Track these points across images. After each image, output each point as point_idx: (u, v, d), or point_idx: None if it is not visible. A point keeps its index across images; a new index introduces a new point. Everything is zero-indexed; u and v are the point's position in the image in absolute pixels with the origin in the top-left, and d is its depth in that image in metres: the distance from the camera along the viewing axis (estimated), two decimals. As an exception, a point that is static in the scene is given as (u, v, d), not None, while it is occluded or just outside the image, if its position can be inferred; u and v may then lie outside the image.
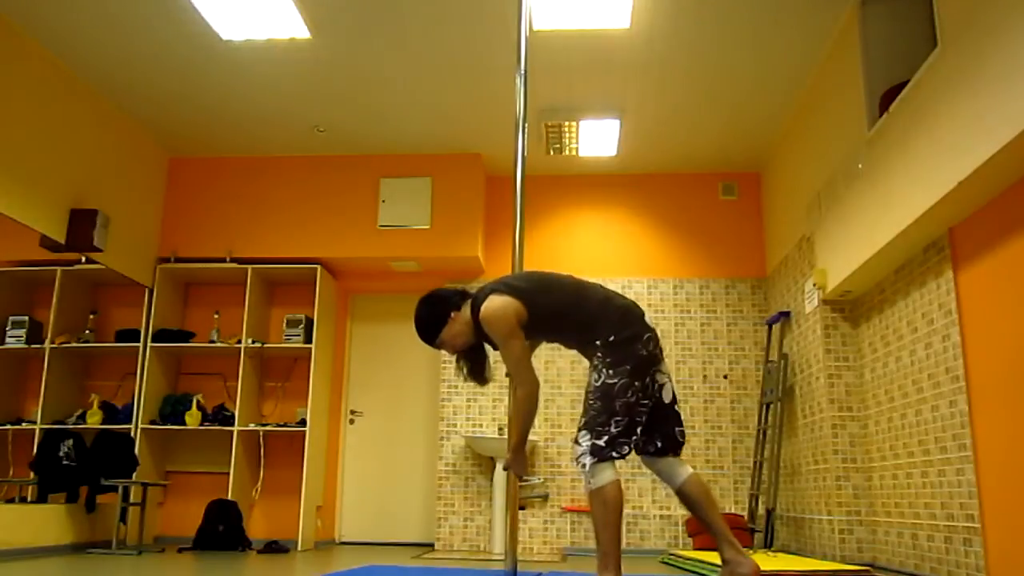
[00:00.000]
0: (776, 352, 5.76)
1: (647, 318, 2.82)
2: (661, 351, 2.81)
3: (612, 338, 2.69)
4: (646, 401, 2.70)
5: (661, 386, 2.80)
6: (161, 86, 5.33)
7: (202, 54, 4.92)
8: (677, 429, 2.81)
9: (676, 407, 2.83)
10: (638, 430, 2.68)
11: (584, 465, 2.60)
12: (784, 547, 5.56)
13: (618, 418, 2.61)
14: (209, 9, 4.44)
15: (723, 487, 5.92)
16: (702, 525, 2.80)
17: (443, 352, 6.45)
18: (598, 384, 2.65)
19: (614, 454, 2.59)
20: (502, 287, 2.76)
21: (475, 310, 2.77)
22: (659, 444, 2.79)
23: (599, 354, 2.70)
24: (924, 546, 3.97)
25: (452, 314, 2.81)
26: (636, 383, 2.65)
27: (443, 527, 6.01)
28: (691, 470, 2.81)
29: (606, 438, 2.59)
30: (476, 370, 2.96)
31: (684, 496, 2.80)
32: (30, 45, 4.79)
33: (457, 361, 2.98)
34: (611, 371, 2.65)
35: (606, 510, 2.59)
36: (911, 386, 4.12)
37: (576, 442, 2.64)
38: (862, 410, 4.79)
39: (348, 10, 4.47)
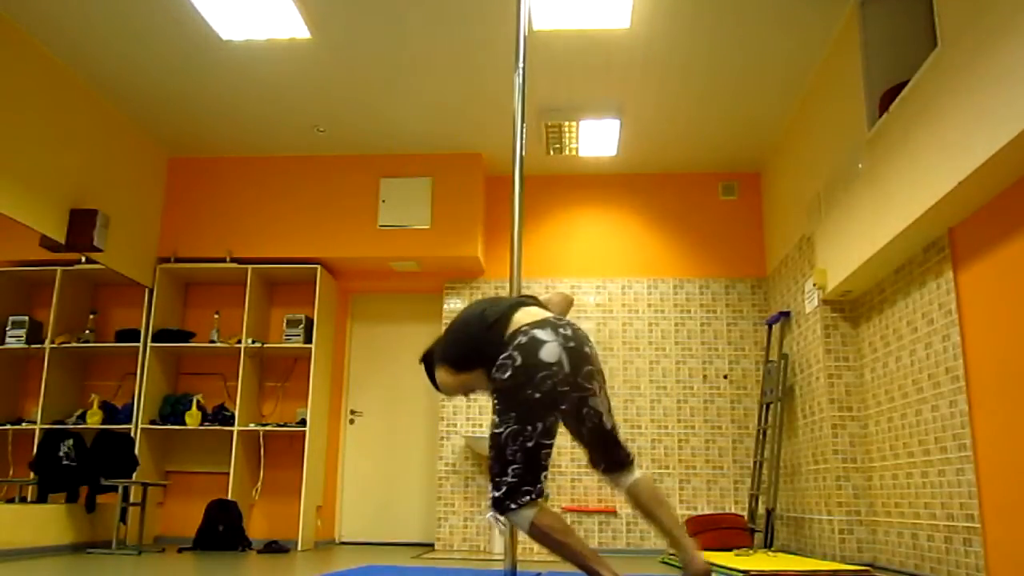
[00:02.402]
0: (776, 352, 5.76)
1: (549, 347, 2.48)
2: (587, 376, 2.56)
3: (496, 383, 2.53)
4: (549, 441, 2.49)
5: (598, 413, 2.63)
6: (161, 86, 5.33)
7: (202, 54, 4.92)
8: (622, 453, 2.68)
9: (615, 432, 2.68)
10: (543, 475, 2.48)
11: (487, 516, 2.51)
12: (784, 547, 5.56)
13: (515, 466, 2.44)
14: (209, 9, 4.44)
15: (723, 487, 5.92)
16: (653, 527, 2.69)
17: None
18: (489, 433, 2.54)
19: (513, 506, 2.42)
20: (436, 351, 2.82)
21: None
22: (603, 467, 2.70)
23: (494, 398, 2.56)
24: (924, 546, 3.97)
25: (437, 374, 2.83)
26: (529, 428, 2.44)
27: (443, 527, 6.01)
28: (638, 475, 2.68)
29: (504, 489, 2.43)
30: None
31: (632, 502, 2.70)
32: (30, 45, 4.79)
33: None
34: (497, 418, 2.50)
35: (550, 540, 2.44)
36: (911, 386, 4.12)
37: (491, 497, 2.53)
38: (862, 410, 4.79)
39: (348, 10, 4.47)
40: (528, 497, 2.43)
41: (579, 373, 2.54)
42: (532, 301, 2.76)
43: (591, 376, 2.59)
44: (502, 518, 2.48)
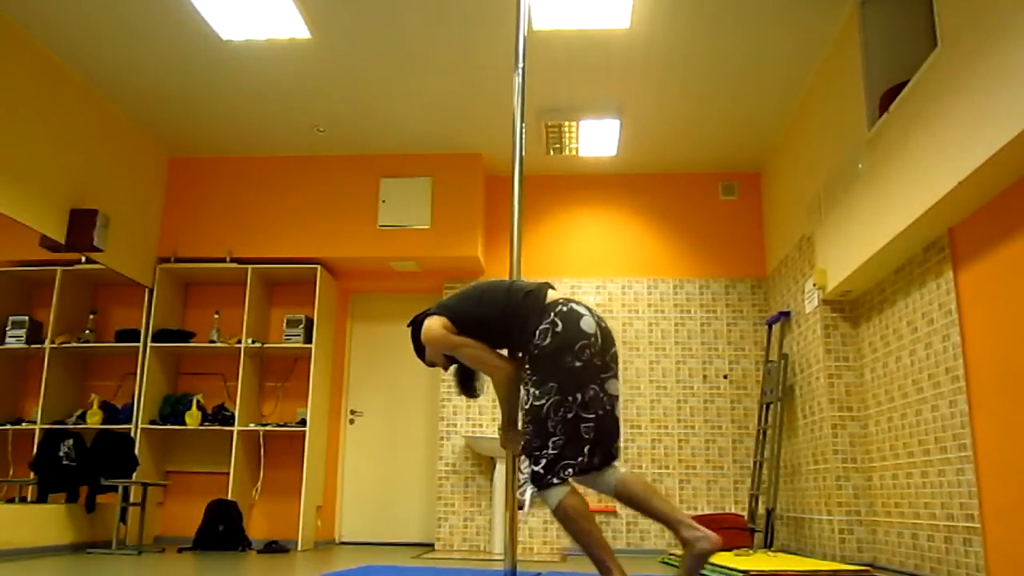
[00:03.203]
0: (776, 352, 5.76)
1: (587, 319, 2.54)
2: (612, 357, 2.60)
3: (536, 350, 2.51)
4: (591, 415, 2.49)
5: (613, 397, 2.61)
6: (161, 86, 5.33)
7: (202, 54, 4.92)
8: (615, 444, 2.63)
9: (619, 422, 2.66)
10: (586, 449, 2.48)
11: (523, 493, 2.45)
12: (784, 547, 5.56)
13: (556, 439, 2.43)
14: (209, 9, 4.44)
15: (723, 487, 5.92)
16: (650, 517, 2.62)
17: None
18: (527, 406, 2.48)
19: (555, 480, 2.42)
20: (434, 307, 2.75)
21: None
22: (596, 461, 2.60)
23: (526, 368, 2.55)
24: (924, 546, 3.97)
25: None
26: (570, 398, 2.44)
27: (443, 527, 6.01)
28: (623, 471, 2.63)
29: (545, 462, 2.42)
30: (464, 384, 2.90)
31: (624, 498, 2.63)
32: (30, 45, 4.79)
33: (454, 377, 2.93)
34: (537, 390, 2.46)
35: (574, 524, 2.44)
36: (911, 386, 4.12)
37: (519, 468, 2.51)
38: (862, 410, 4.79)
39: (348, 10, 4.47)
40: (570, 471, 2.44)
41: (607, 352, 2.60)
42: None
43: (615, 358, 2.65)
44: (537, 494, 2.46)
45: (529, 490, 2.46)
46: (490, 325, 2.66)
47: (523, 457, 2.51)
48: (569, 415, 2.44)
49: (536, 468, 2.44)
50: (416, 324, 2.79)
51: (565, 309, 2.56)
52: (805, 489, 5.26)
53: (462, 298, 2.74)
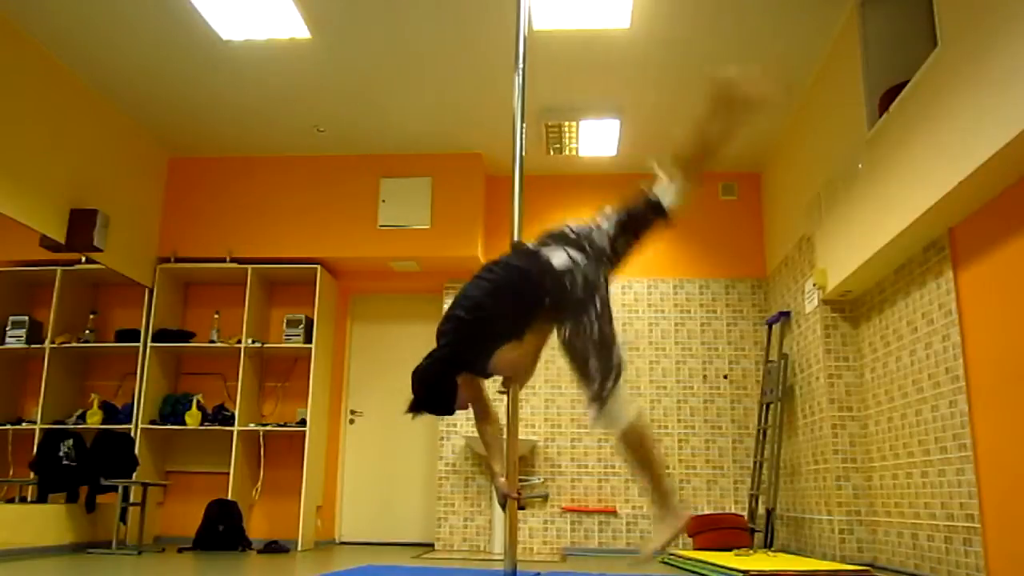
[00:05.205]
0: (776, 352, 5.76)
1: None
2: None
3: (581, 290, 2.50)
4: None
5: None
6: (161, 86, 5.33)
7: (202, 54, 4.92)
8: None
9: None
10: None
11: (608, 409, 2.43)
12: (784, 547, 5.56)
13: (620, 350, 2.51)
14: (209, 9, 4.44)
15: (723, 487, 5.92)
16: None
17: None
18: (594, 335, 2.47)
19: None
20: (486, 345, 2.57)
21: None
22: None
23: (578, 303, 2.49)
24: (924, 546, 3.97)
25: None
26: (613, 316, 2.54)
27: (443, 527, 6.01)
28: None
29: (614, 374, 2.46)
30: (444, 402, 2.54)
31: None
32: (30, 45, 4.78)
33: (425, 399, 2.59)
34: (592, 317, 2.48)
35: (645, 442, 2.48)
36: (911, 386, 4.12)
37: (599, 397, 2.43)
38: (862, 410, 4.79)
39: (348, 10, 4.47)
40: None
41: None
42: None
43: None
44: (603, 411, 2.43)
45: (613, 406, 2.44)
46: (531, 302, 2.54)
47: (597, 381, 2.46)
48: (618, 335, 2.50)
49: (610, 383, 2.44)
50: (436, 372, 2.46)
51: (532, 247, 2.65)
52: (805, 489, 5.26)
53: (498, 313, 2.51)
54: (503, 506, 2.76)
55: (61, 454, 5.15)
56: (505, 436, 2.81)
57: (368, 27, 4.64)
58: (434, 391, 2.47)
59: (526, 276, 2.53)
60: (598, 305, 2.51)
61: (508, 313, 2.50)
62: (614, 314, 2.54)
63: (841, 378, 4.86)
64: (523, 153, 3.17)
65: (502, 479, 2.71)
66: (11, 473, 5.32)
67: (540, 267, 2.54)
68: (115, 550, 5.04)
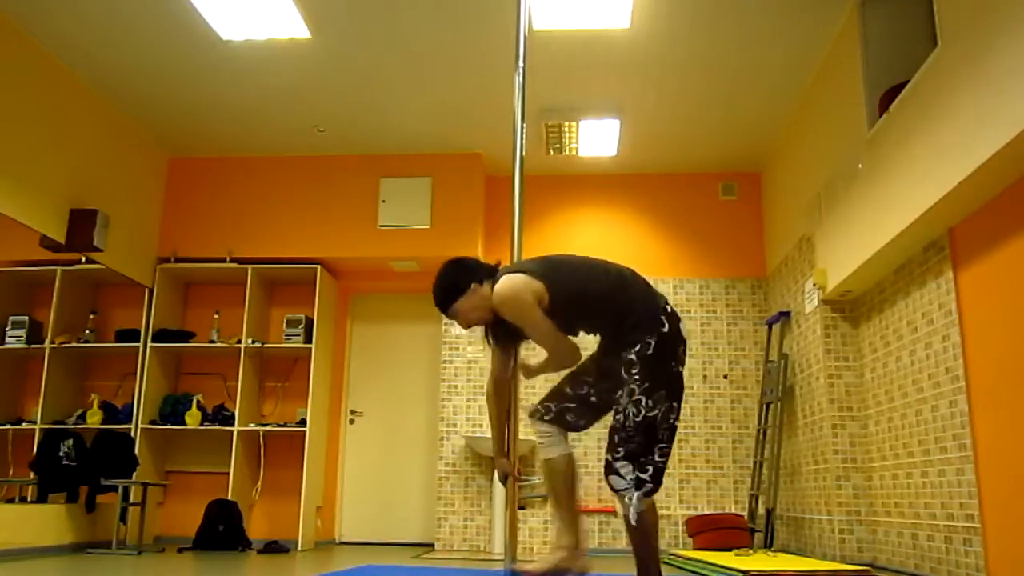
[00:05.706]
0: (776, 352, 5.76)
1: (683, 323, 2.51)
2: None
3: (649, 350, 2.41)
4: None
5: None
6: (161, 86, 5.33)
7: (202, 54, 4.92)
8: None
9: None
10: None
11: (630, 499, 2.38)
12: (784, 547, 5.56)
13: (662, 445, 2.41)
14: (209, 9, 4.44)
15: (723, 487, 5.92)
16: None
17: (443, 352, 6.42)
18: (638, 419, 2.37)
19: (655, 487, 2.41)
20: (515, 267, 2.58)
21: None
22: (581, 424, 2.69)
23: (634, 372, 2.41)
24: (924, 546, 3.97)
25: (473, 285, 2.60)
26: (676, 404, 2.43)
27: (443, 527, 6.01)
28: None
29: (651, 470, 2.39)
30: (508, 338, 2.70)
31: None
32: (30, 46, 4.78)
33: (486, 332, 2.75)
34: (650, 400, 2.38)
35: (649, 534, 2.42)
36: (911, 386, 4.12)
37: (615, 472, 2.40)
38: (862, 410, 4.79)
39: (348, 10, 4.47)
40: (661, 482, 2.42)
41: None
42: None
43: None
44: (636, 503, 2.39)
45: (635, 496, 2.38)
46: (588, 304, 2.51)
47: (619, 460, 2.41)
48: (675, 423, 2.43)
49: (643, 476, 2.39)
50: (454, 267, 2.64)
51: (670, 311, 2.49)
52: (805, 489, 5.26)
53: (554, 267, 2.51)
54: (503, 482, 2.86)
55: (61, 454, 5.15)
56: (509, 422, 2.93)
57: (368, 27, 4.64)
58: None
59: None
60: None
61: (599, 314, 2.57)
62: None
63: (841, 378, 4.86)
64: (523, 153, 3.17)
65: (503, 459, 2.84)
66: (11, 473, 5.32)
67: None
68: (115, 550, 5.04)
